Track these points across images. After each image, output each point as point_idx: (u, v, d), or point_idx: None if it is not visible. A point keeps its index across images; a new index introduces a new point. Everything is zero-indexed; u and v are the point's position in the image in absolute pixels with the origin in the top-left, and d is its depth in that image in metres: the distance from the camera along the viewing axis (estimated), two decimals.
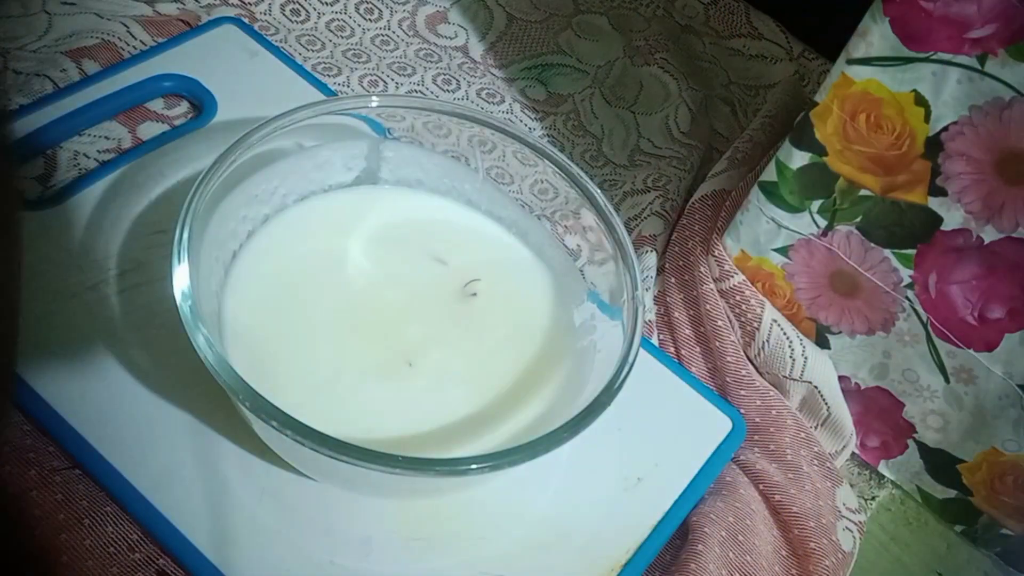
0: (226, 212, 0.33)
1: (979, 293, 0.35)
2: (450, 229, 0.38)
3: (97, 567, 0.31)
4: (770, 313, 0.42)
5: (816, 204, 0.38)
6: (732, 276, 0.42)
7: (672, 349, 0.44)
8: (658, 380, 0.40)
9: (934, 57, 0.32)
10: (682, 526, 0.37)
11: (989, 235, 0.34)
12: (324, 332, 0.34)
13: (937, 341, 0.38)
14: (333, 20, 0.52)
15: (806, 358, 0.41)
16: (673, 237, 0.46)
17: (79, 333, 0.35)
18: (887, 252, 0.37)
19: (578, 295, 0.37)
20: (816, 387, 0.41)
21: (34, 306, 0.36)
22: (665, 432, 0.39)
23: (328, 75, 0.49)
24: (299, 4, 0.52)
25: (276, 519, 0.33)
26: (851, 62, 0.34)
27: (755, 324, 0.42)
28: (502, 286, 0.37)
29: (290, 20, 0.52)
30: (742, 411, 0.41)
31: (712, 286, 0.43)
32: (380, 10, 0.54)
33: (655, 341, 0.43)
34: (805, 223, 0.39)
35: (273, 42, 0.48)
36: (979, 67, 0.31)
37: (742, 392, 0.41)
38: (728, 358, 0.42)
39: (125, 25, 0.47)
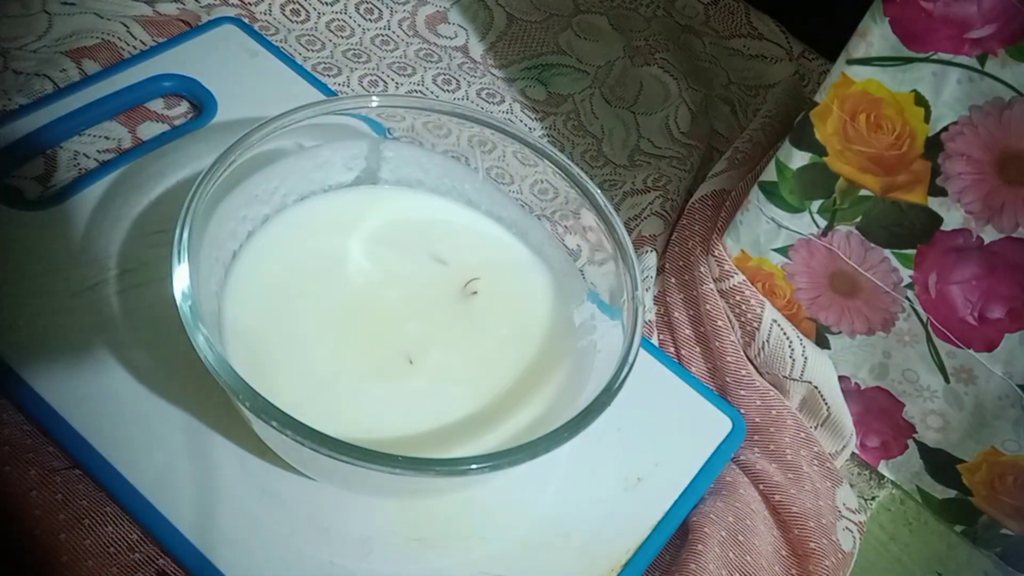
0: (226, 212, 0.33)
1: (979, 293, 0.35)
2: (450, 229, 0.38)
3: (97, 567, 0.31)
4: (770, 313, 0.42)
5: (816, 204, 0.38)
6: (732, 276, 0.42)
7: (672, 349, 0.44)
8: (658, 380, 0.40)
9: (934, 57, 0.32)
10: (682, 526, 0.37)
11: (989, 235, 0.34)
12: (324, 332, 0.34)
13: (937, 341, 0.38)
14: (333, 20, 0.52)
15: (806, 358, 0.41)
16: (673, 237, 0.46)
17: (79, 333, 0.35)
18: (887, 252, 0.37)
19: (578, 295, 0.37)
20: (816, 387, 0.41)
21: (34, 306, 0.36)
22: (665, 432, 0.39)
23: (328, 75, 0.49)
24: (299, 4, 0.52)
25: (276, 519, 0.33)
26: (851, 62, 0.34)
27: (755, 324, 0.42)
28: (502, 286, 0.37)
29: (290, 20, 0.52)
30: (742, 411, 0.41)
31: (712, 286, 0.43)
32: (380, 10, 0.54)
33: (655, 341, 0.43)
34: (805, 223, 0.39)
35: (273, 42, 0.48)
36: (979, 67, 0.31)
37: (742, 392, 0.41)
38: (728, 358, 0.42)
39: (125, 25, 0.47)
